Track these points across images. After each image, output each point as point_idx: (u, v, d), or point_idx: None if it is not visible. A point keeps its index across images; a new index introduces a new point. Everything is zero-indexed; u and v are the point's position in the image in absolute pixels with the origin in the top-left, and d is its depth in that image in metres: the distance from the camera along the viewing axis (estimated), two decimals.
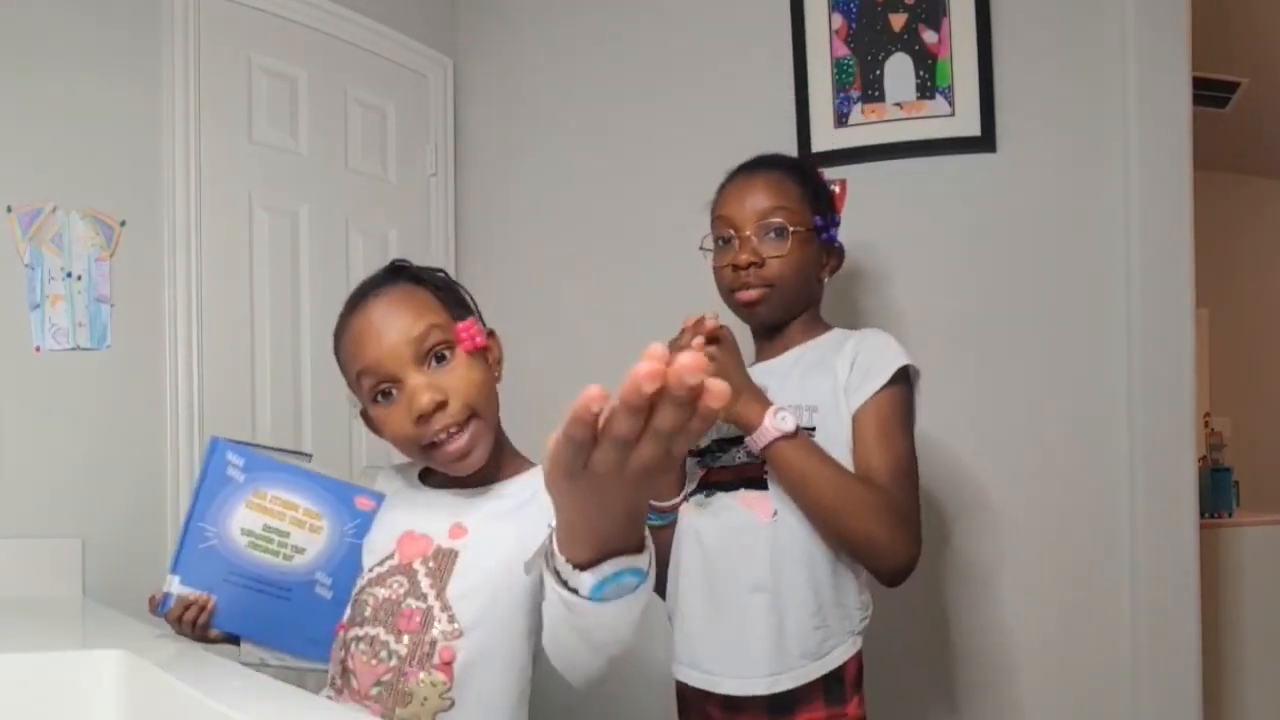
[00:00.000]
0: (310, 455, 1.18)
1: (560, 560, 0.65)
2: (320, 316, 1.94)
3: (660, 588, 1.30)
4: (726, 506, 1.19)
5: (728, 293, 1.27)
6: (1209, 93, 3.25)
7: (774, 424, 1.09)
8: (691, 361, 0.45)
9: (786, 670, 1.13)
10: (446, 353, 1.00)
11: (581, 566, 0.64)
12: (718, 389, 0.47)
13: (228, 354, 1.77)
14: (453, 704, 0.96)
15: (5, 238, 1.52)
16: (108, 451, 1.61)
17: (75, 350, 1.58)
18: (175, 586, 1.06)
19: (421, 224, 2.19)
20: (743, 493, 1.18)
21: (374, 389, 1.00)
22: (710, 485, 1.23)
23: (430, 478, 1.12)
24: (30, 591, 1.45)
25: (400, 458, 1.12)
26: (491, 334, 1.07)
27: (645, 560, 0.65)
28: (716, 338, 1.14)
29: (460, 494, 1.06)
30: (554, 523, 0.66)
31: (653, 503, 1.25)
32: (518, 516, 1.01)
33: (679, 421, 0.49)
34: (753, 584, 1.14)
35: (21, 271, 1.53)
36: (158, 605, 1.08)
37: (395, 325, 0.98)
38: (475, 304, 1.08)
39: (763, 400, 1.12)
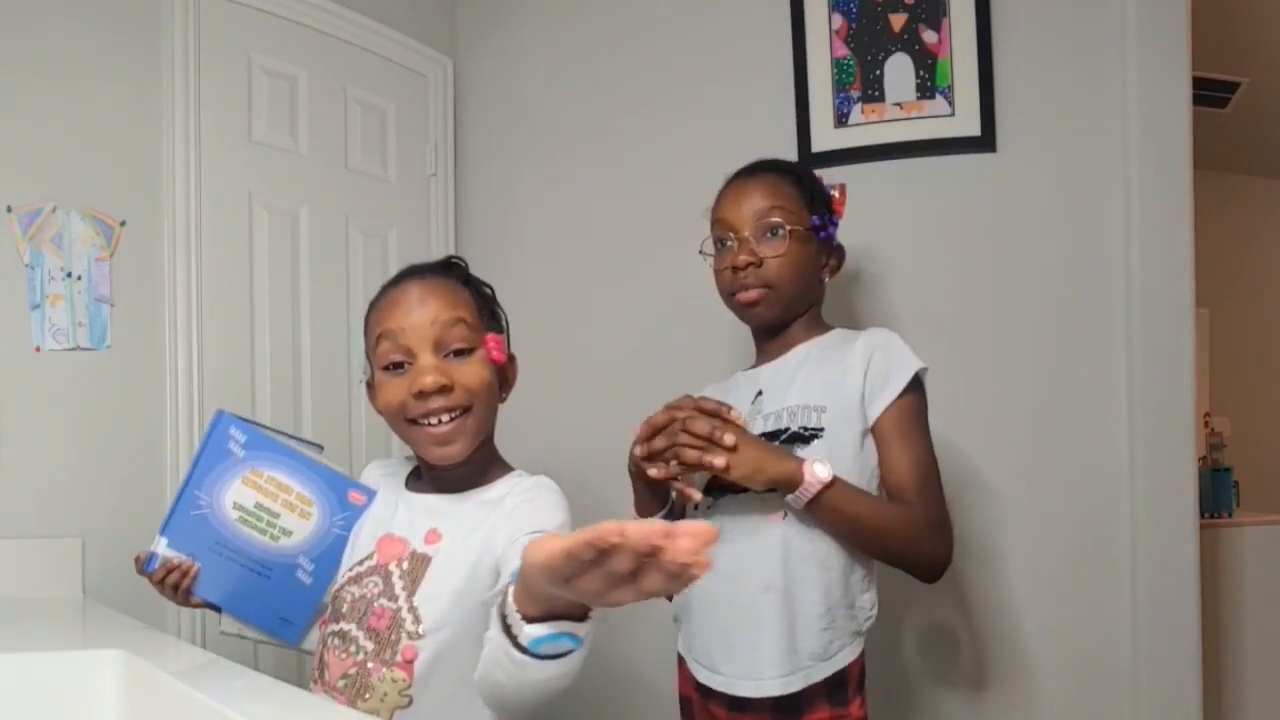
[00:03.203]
0: (322, 447, 1.20)
1: (512, 609, 0.72)
2: (320, 316, 1.94)
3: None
4: (735, 509, 1.19)
5: (728, 295, 1.27)
6: (1209, 93, 3.25)
7: (815, 477, 1.08)
8: (694, 545, 0.53)
9: (797, 671, 1.13)
10: (467, 352, 1.04)
11: (529, 619, 0.71)
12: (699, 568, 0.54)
13: (228, 354, 1.77)
14: (411, 701, 0.99)
15: (5, 238, 1.52)
16: (108, 451, 1.61)
17: (75, 350, 1.58)
18: (162, 548, 1.09)
19: (421, 224, 2.19)
20: (750, 494, 1.17)
21: (387, 356, 1.03)
22: (718, 488, 1.22)
23: (414, 482, 1.15)
24: (30, 591, 1.45)
25: (399, 452, 1.14)
26: (512, 358, 1.11)
27: (585, 629, 0.72)
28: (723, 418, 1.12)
29: (441, 499, 1.09)
30: (515, 574, 0.73)
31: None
32: (489, 523, 1.04)
33: (661, 588, 0.57)
34: (763, 585, 1.14)
35: (21, 271, 1.53)
36: (143, 564, 1.10)
37: (429, 307, 1.02)
38: (508, 327, 1.12)
39: (791, 456, 1.11)
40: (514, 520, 1.02)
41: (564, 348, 2.09)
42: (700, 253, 1.30)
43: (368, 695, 1.00)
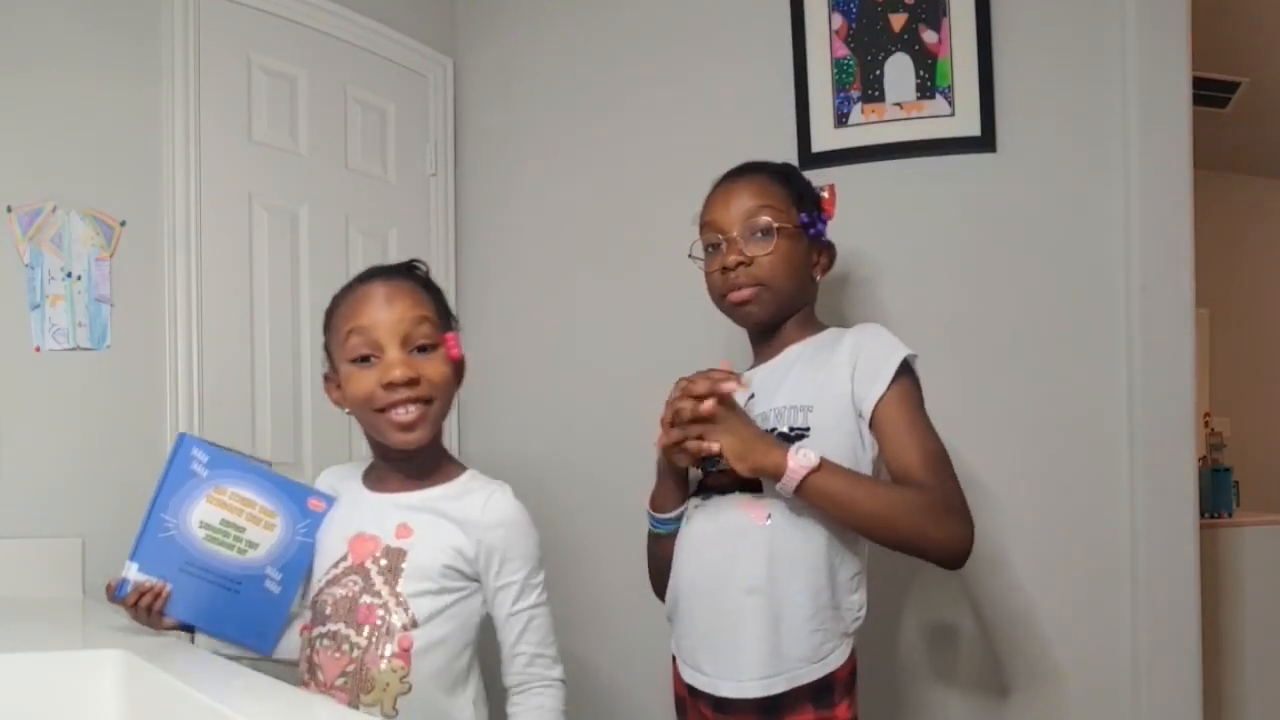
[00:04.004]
0: (270, 462, 1.24)
1: None
2: (320, 316, 1.93)
3: (660, 591, 1.31)
4: (722, 510, 1.19)
5: (719, 297, 1.26)
6: (1209, 93, 3.25)
7: (799, 463, 1.07)
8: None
9: (782, 673, 1.13)
10: (429, 348, 1.12)
11: None
12: None
13: (228, 354, 1.77)
14: (411, 687, 1.07)
15: (5, 238, 1.52)
16: (108, 451, 1.61)
17: (75, 350, 1.58)
18: (133, 573, 1.11)
19: (421, 224, 2.19)
20: (738, 496, 1.18)
21: (357, 350, 1.11)
22: (707, 489, 1.23)
23: (373, 482, 1.21)
24: (30, 591, 1.45)
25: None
26: (463, 357, 1.19)
27: None
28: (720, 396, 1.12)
29: (405, 496, 1.16)
30: None
31: (656, 512, 1.27)
32: (455, 513, 1.13)
33: None
34: (748, 587, 1.14)
35: (21, 271, 1.53)
36: (114, 590, 1.12)
37: (397, 306, 1.11)
38: (459, 326, 1.22)
39: (779, 445, 1.11)
40: (502, 554, 1.12)
41: (563, 345, 2.09)
42: (690, 256, 1.30)
43: (371, 688, 1.06)
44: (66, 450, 1.56)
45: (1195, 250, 1.59)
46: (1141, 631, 1.56)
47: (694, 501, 1.24)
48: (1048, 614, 1.63)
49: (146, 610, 1.10)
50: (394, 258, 2.09)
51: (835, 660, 1.15)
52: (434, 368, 1.11)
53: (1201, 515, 1.89)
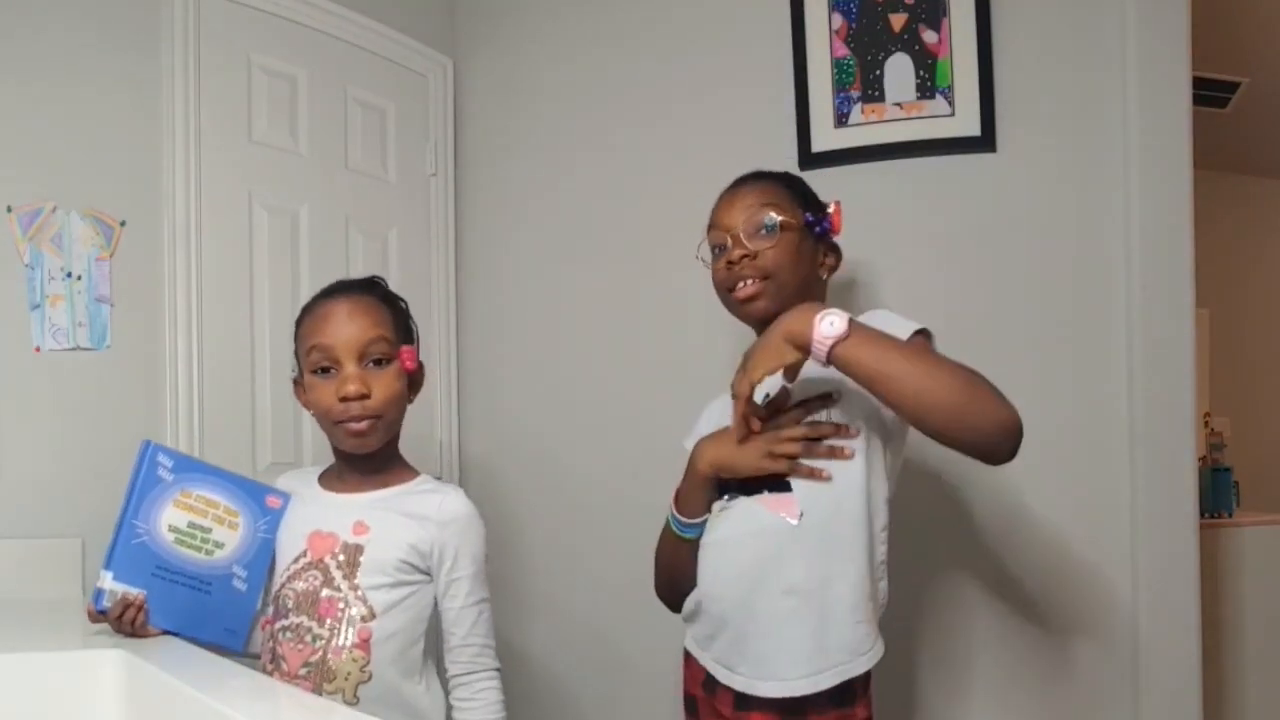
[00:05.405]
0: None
1: None
2: None
3: (665, 592, 1.30)
4: (749, 510, 1.17)
5: (725, 292, 1.26)
6: (1209, 93, 3.25)
7: (824, 333, 1.03)
8: None
9: (830, 668, 1.11)
10: (384, 362, 1.21)
11: None
12: None
13: (228, 354, 1.77)
14: (371, 676, 1.15)
15: (5, 238, 1.52)
16: (108, 451, 1.60)
17: (75, 350, 1.58)
18: (109, 582, 1.12)
19: (421, 224, 2.19)
20: (766, 495, 1.16)
21: (318, 363, 1.21)
22: (732, 490, 1.21)
23: (330, 483, 1.28)
24: (30, 591, 1.45)
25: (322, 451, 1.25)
26: (421, 365, 1.28)
27: None
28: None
29: (359, 496, 1.24)
30: None
31: (682, 516, 1.25)
32: (412, 510, 1.21)
33: None
34: (784, 588, 1.12)
35: (21, 271, 1.53)
36: (91, 600, 1.13)
37: (356, 324, 1.20)
38: (419, 337, 1.31)
39: (804, 313, 1.07)
40: (456, 550, 1.21)
41: (564, 345, 2.09)
42: (697, 257, 1.30)
43: (333, 678, 1.13)
44: (66, 450, 1.56)
45: (1195, 250, 1.59)
46: (1142, 631, 1.56)
47: (718, 505, 1.22)
48: (1047, 613, 1.63)
49: (130, 623, 1.12)
50: (394, 257, 2.10)
51: (878, 652, 1.14)
52: (385, 383, 1.20)
53: (1201, 515, 1.90)
